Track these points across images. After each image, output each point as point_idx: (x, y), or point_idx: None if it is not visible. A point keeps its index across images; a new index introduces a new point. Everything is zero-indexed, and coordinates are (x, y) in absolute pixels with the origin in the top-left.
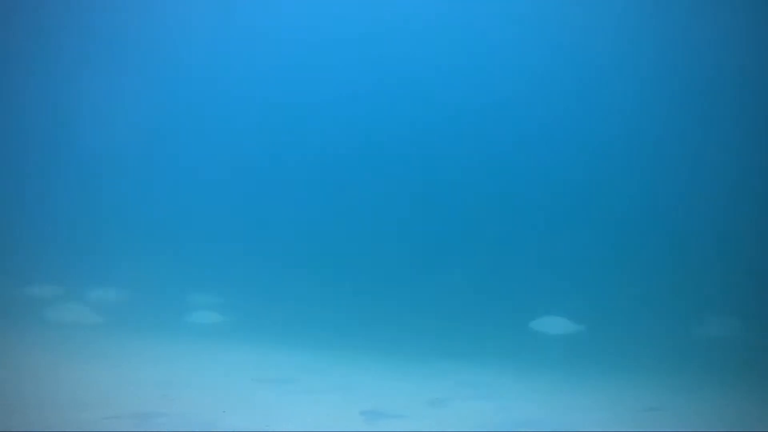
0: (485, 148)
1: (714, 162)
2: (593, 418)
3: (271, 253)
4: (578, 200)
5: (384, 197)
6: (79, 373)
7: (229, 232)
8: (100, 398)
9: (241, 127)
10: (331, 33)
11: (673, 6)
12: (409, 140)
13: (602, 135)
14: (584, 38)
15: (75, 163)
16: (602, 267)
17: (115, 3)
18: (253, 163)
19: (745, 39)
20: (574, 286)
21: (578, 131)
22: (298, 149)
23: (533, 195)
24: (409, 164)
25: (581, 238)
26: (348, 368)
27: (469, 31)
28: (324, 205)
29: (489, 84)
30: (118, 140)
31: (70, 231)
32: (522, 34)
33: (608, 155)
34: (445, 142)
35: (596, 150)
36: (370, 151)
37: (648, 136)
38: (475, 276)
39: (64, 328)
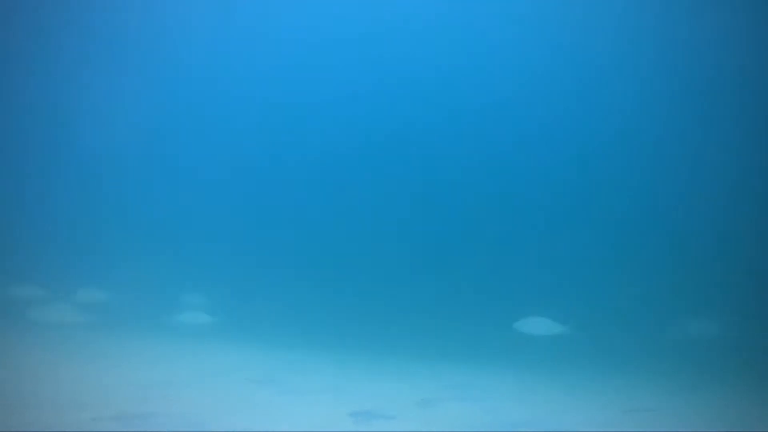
0: (484, 148)
1: (714, 162)
2: (582, 419)
3: (265, 254)
4: (578, 200)
5: (383, 197)
6: (70, 373)
7: (228, 232)
8: (95, 398)
9: (241, 127)
10: (331, 33)
11: (673, 6)
12: (407, 140)
13: (602, 135)
14: (584, 38)
15: (74, 163)
16: (602, 267)
17: (115, 3)
18: (253, 163)
19: (745, 39)
20: (574, 287)
21: (577, 131)
22: (297, 149)
23: (533, 195)
24: (408, 164)
25: (581, 238)
26: (337, 369)
27: (469, 31)
28: (320, 205)
29: (489, 84)
30: (118, 140)
31: (68, 231)
32: (522, 35)
33: (608, 155)
34: (444, 142)
35: (596, 150)
36: (367, 150)
37: (648, 136)
38: (471, 276)
39: (55, 328)
